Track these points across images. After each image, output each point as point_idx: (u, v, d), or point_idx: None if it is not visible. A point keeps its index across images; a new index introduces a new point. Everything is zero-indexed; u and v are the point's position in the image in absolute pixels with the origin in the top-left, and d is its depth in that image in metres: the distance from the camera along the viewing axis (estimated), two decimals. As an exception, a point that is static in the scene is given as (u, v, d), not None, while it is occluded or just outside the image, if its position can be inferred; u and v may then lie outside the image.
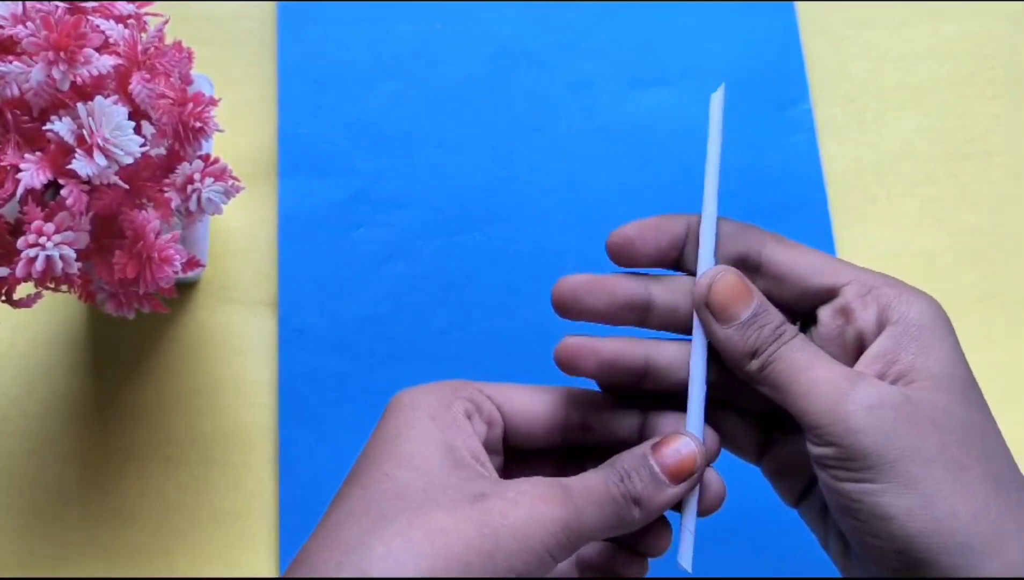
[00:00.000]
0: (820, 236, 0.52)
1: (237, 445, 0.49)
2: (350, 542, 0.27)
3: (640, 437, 0.34)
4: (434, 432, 0.30)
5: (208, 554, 0.47)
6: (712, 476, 0.33)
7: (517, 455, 0.34)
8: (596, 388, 0.35)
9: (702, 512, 0.33)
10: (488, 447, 0.33)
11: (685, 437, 0.32)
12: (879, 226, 0.53)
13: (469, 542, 0.27)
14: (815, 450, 0.30)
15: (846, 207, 0.53)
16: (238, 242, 0.51)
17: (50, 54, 0.35)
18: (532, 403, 0.34)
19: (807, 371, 0.30)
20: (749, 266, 0.33)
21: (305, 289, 0.50)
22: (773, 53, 0.55)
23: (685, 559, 0.33)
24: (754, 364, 0.31)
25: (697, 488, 0.32)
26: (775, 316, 0.32)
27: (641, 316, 0.34)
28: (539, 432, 0.34)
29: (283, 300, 0.50)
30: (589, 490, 0.30)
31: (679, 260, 0.34)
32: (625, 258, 0.33)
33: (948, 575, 0.28)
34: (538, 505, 0.28)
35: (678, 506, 0.33)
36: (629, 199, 0.53)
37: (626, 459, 0.31)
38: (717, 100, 0.34)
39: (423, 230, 0.52)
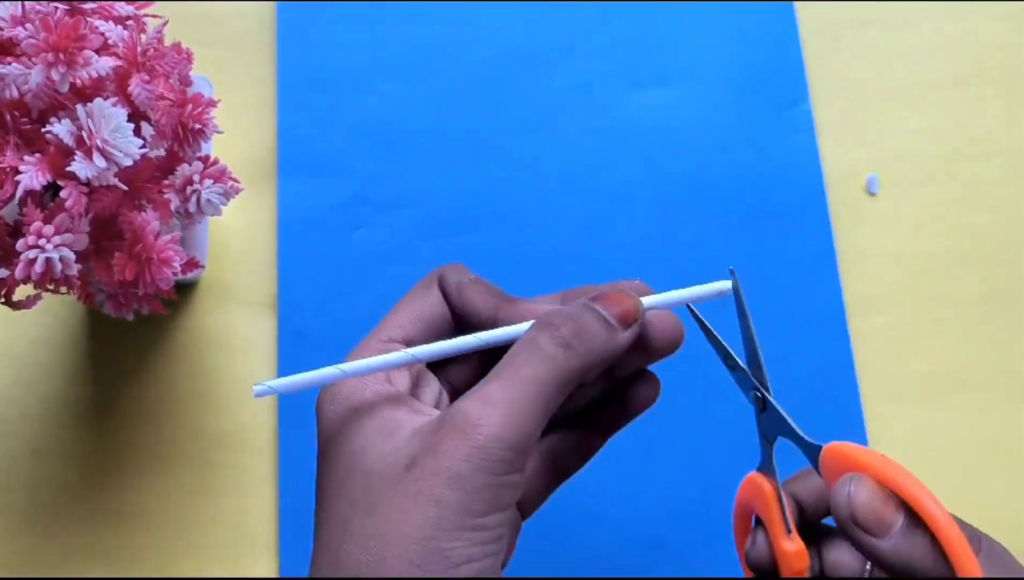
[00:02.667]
0: (820, 236, 0.52)
1: (237, 446, 0.49)
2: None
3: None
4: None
5: (208, 554, 0.47)
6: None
7: None
8: None
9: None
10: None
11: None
12: (879, 226, 0.53)
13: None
14: None
15: (846, 207, 0.53)
16: (237, 243, 0.51)
17: (49, 56, 0.35)
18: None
19: None
20: None
21: (305, 290, 0.50)
22: (773, 53, 0.55)
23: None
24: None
25: None
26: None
27: None
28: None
29: (283, 301, 0.50)
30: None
31: None
32: None
33: None
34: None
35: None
36: (629, 199, 0.52)
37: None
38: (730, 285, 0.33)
39: (423, 230, 0.52)
